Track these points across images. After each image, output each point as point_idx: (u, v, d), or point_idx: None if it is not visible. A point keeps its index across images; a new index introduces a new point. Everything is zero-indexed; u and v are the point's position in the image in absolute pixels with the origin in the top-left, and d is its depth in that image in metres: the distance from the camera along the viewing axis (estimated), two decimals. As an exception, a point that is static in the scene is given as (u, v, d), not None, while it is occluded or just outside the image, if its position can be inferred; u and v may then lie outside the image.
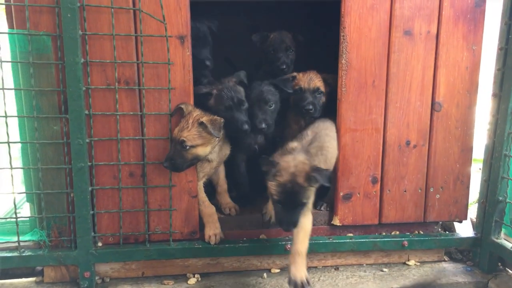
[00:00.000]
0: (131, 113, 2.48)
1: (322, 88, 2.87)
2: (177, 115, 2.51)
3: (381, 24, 2.63)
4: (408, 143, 2.79)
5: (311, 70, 2.93)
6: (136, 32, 2.40)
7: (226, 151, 2.81)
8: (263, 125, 2.68)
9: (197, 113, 2.48)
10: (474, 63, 2.75)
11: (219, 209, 2.85)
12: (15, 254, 2.47)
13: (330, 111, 2.84)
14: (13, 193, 2.41)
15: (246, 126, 2.60)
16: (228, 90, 2.63)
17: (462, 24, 2.68)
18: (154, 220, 2.62)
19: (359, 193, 2.81)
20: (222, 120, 2.49)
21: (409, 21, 2.64)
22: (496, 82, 2.71)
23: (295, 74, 2.92)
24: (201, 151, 2.49)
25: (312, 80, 2.86)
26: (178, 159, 2.42)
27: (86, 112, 2.39)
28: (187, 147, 2.42)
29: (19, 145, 2.54)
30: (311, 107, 2.79)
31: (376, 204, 2.84)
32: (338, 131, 2.74)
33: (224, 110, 2.61)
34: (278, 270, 2.80)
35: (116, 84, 2.42)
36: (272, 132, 2.84)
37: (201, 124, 2.43)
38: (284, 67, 3.00)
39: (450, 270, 2.86)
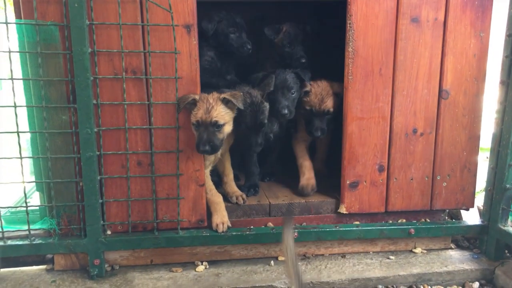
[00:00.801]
0: (139, 102, 2.49)
1: (333, 107, 2.93)
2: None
3: (388, 11, 2.61)
4: (415, 131, 2.78)
5: (322, 80, 2.99)
6: (142, 21, 2.41)
7: (230, 139, 2.83)
8: (286, 111, 2.76)
9: (213, 93, 2.52)
10: (481, 50, 2.73)
11: (226, 198, 2.87)
12: (26, 242, 2.51)
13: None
14: (23, 182, 2.44)
15: (258, 149, 2.73)
16: (254, 107, 2.66)
17: (469, 11, 2.66)
18: (162, 208, 2.64)
19: (365, 181, 2.82)
20: (241, 93, 2.55)
21: (416, 8, 2.62)
22: (504, 69, 2.68)
23: (308, 88, 2.93)
24: (228, 128, 2.56)
25: (323, 102, 2.91)
26: (215, 140, 2.45)
27: (94, 101, 2.40)
28: (221, 126, 2.47)
29: (28, 135, 2.57)
30: (319, 133, 2.91)
31: (382, 192, 2.85)
32: (344, 119, 2.75)
33: (244, 129, 2.69)
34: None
35: (124, 73, 2.43)
36: (288, 119, 2.93)
37: (224, 100, 2.48)
38: (304, 60, 3.00)
39: (456, 257, 2.87)
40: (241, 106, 2.49)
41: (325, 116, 2.93)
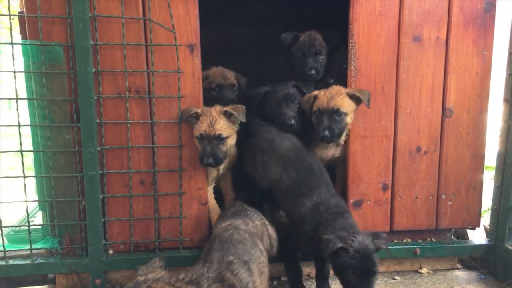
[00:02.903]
0: (142, 121, 2.50)
1: (344, 109, 2.59)
2: (184, 123, 2.54)
3: (390, 30, 2.63)
4: (419, 149, 2.77)
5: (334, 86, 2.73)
6: (146, 41, 2.44)
7: (235, 152, 2.82)
8: (292, 122, 2.76)
9: (216, 107, 2.54)
10: (484, 68, 2.73)
11: (229, 217, 2.84)
12: (28, 261, 2.50)
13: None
14: (26, 201, 2.44)
15: None
16: None
17: (471, 30, 2.67)
18: (165, 227, 2.64)
19: (369, 200, 2.80)
20: (244, 106, 2.55)
21: (418, 27, 2.64)
22: (508, 87, 2.69)
23: (316, 93, 2.70)
24: (231, 141, 2.58)
25: (332, 99, 2.60)
26: (219, 153, 2.46)
27: (97, 120, 2.42)
28: (224, 139, 2.48)
29: (32, 154, 2.58)
30: (326, 132, 2.58)
31: (387, 211, 2.83)
32: (348, 138, 2.74)
33: None
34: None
35: (127, 92, 2.45)
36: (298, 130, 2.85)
37: (226, 113, 2.50)
38: (313, 72, 2.87)
39: (463, 278, 2.83)
40: (243, 119, 2.50)
41: (334, 115, 2.58)
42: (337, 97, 2.58)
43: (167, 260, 2.55)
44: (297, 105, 2.86)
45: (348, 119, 2.63)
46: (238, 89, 3.05)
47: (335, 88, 2.64)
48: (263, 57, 3.14)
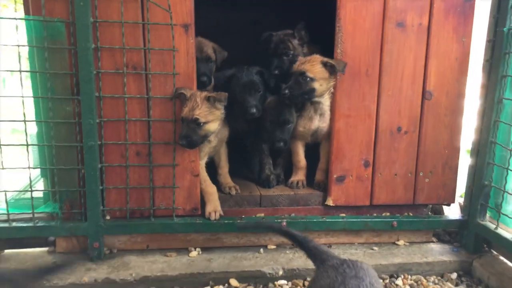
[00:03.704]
0: (138, 96, 2.65)
1: (311, 73, 2.80)
2: (178, 100, 2.68)
3: (375, 15, 2.77)
4: (399, 129, 2.94)
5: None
6: (143, 20, 2.57)
7: (225, 132, 3.00)
8: (254, 110, 2.90)
9: (202, 92, 2.67)
10: (463, 54, 2.88)
11: (220, 189, 3.02)
12: (30, 224, 2.67)
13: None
14: (29, 168, 2.60)
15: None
16: None
17: (452, 17, 2.81)
18: (159, 196, 2.81)
19: (351, 176, 2.98)
20: (226, 94, 2.68)
21: (402, 13, 2.78)
22: (485, 72, 2.83)
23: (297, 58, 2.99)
24: (212, 127, 2.70)
25: (302, 64, 2.84)
26: (193, 136, 2.61)
27: (96, 94, 2.56)
28: (201, 124, 2.62)
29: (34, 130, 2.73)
30: (286, 91, 2.82)
31: (368, 187, 3.01)
32: (332, 116, 2.90)
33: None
34: (274, 246, 2.98)
35: (125, 68, 2.59)
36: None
37: (209, 99, 2.63)
38: (277, 72, 3.09)
39: (437, 250, 3.02)
40: (225, 102, 2.67)
41: (299, 78, 2.82)
42: (308, 62, 2.81)
43: (160, 227, 2.78)
44: (259, 93, 2.98)
45: (317, 85, 2.81)
46: (215, 62, 3.08)
47: (312, 56, 2.86)
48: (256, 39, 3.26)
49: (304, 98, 2.89)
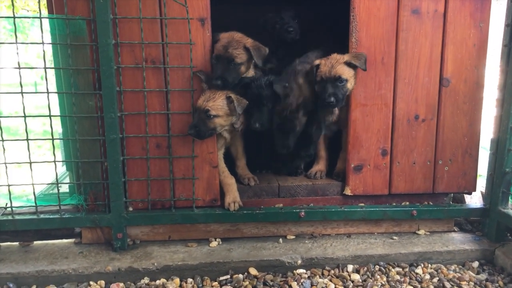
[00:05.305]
0: (157, 89, 2.72)
1: (344, 75, 2.78)
2: (197, 91, 2.74)
3: (389, 3, 2.77)
4: (417, 117, 2.93)
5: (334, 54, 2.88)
6: (161, 15, 2.64)
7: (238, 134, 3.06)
8: (257, 125, 2.85)
9: (223, 91, 2.72)
10: (481, 40, 2.85)
11: (238, 180, 3.07)
12: (56, 216, 2.77)
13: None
14: (55, 161, 2.70)
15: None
16: None
17: (469, 2, 2.79)
18: (179, 188, 2.87)
19: (369, 165, 2.98)
20: (246, 102, 2.73)
21: (417, 0, 2.77)
22: (503, 58, 2.80)
23: (318, 62, 2.86)
24: (222, 121, 2.75)
25: (333, 68, 2.78)
26: (202, 127, 2.67)
27: (117, 88, 2.65)
28: (211, 116, 2.67)
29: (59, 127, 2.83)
30: (332, 99, 2.76)
31: (386, 176, 3.01)
32: (349, 105, 2.91)
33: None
34: (293, 236, 3.01)
35: (144, 63, 2.67)
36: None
37: (229, 98, 2.70)
38: (292, 29, 3.15)
39: (458, 239, 2.99)
40: (239, 111, 2.70)
41: (337, 82, 2.77)
42: (337, 65, 2.77)
43: (181, 217, 2.84)
44: (266, 108, 2.87)
45: (349, 85, 2.82)
46: (240, 65, 2.78)
47: (334, 57, 2.81)
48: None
49: (344, 101, 2.84)
